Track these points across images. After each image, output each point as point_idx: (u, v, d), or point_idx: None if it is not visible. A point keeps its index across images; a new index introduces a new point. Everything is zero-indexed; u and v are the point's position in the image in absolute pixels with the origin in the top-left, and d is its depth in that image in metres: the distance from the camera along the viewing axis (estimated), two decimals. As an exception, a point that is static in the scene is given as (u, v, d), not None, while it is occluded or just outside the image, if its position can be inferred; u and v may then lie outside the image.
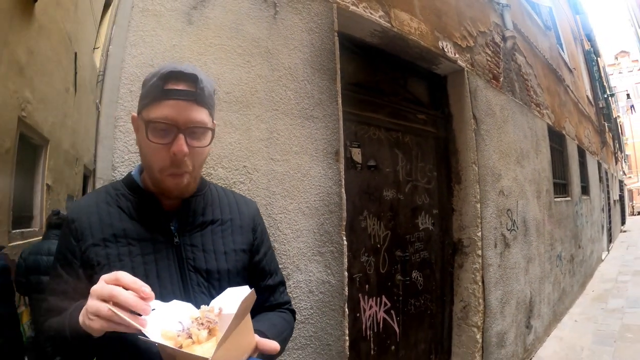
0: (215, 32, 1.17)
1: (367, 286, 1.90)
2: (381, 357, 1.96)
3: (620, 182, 14.91)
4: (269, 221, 1.22)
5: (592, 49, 8.75)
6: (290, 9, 1.40)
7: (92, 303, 0.50)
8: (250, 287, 0.56)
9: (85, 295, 0.53)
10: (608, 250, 8.18)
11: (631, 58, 28.40)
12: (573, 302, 4.50)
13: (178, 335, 0.51)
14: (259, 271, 0.81)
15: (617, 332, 3.47)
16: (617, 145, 13.01)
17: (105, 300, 0.49)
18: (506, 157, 2.94)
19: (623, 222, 13.79)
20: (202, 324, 0.53)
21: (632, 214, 21.60)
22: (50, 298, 0.65)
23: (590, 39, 8.91)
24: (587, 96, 7.45)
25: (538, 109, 3.91)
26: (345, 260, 1.47)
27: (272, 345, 0.59)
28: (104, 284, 0.50)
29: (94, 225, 0.66)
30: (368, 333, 1.89)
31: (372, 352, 1.90)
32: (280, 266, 0.90)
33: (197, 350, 0.49)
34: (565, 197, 4.74)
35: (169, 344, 0.49)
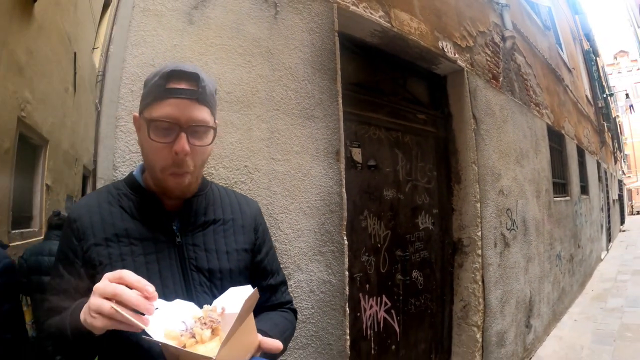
0: (216, 32, 1.17)
1: (367, 286, 1.91)
2: (381, 357, 1.96)
3: (620, 181, 14.94)
4: (270, 221, 1.22)
5: (591, 49, 8.77)
6: (291, 9, 1.41)
7: (95, 300, 0.49)
8: (253, 287, 0.56)
9: (86, 295, 0.53)
10: (607, 250, 8.20)
11: (630, 58, 28.45)
12: (572, 301, 4.51)
13: (181, 335, 0.51)
14: (261, 271, 0.81)
15: (617, 331, 3.47)
16: (616, 144, 13.04)
17: (108, 298, 0.49)
18: (506, 157, 2.95)
19: (622, 222, 13.81)
20: (205, 323, 0.53)
21: (631, 213, 21.64)
22: (51, 297, 0.65)
23: (589, 38, 8.93)
24: (586, 96, 7.46)
25: (537, 108, 3.91)
26: (346, 259, 1.47)
27: (275, 344, 0.59)
28: (107, 282, 0.50)
29: (95, 225, 0.66)
30: (368, 332, 1.89)
31: (372, 351, 1.91)
32: (281, 266, 0.91)
33: (200, 350, 0.49)
34: (565, 196, 4.75)
35: (173, 343, 0.49)
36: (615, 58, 29.78)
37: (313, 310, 1.32)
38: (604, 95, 9.76)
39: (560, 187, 4.73)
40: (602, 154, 8.65)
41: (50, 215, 1.69)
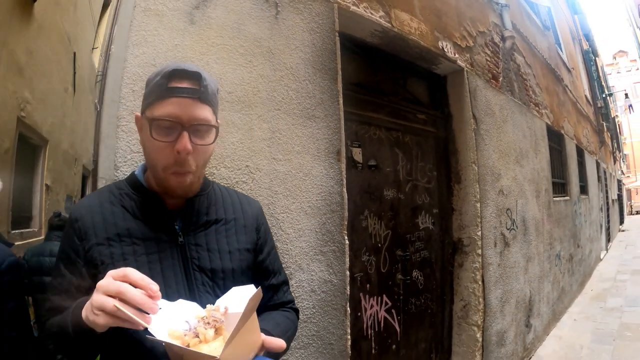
0: (217, 32, 1.17)
1: (368, 285, 1.91)
2: (382, 356, 1.96)
3: (619, 181, 14.96)
4: (272, 221, 1.22)
5: (590, 49, 8.78)
6: (292, 9, 1.41)
7: (98, 298, 0.49)
8: (256, 287, 0.56)
9: (88, 294, 0.53)
10: (607, 250, 8.21)
11: (629, 58, 28.49)
12: (572, 301, 4.52)
13: (185, 335, 0.51)
14: (263, 270, 0.81)
15: (616, 331, 3.48)
16: (616, 144, 13.06)
17: (111, 296, 0.49)
18: (505, 157, 2.95)
19: (621, 222, 13.83)
20: (208, 323, 0.53)
21: (631, 213, 21.68)
22: (52, 297, 0.65)
23: (588, 38, 8.94)
24: (586, 96, 7.47)
25: (537, 108, 3.92)
26: (347, 259, 1.48)
27: (278, 342, 0.59)
28: (111, 280, 0.50)
29: (97, 225, 0.66)
30: (369, 332, 1.90)
31: (373, 351, 1.91)
32: (282, 265, 0.91)
33: (204, 349, 0.49)
34: (564, 196, 4.76)
35: (177, 343, 0.49)
36: (615, 58, 29.82)
37: (314, 310, 1.32)
38: (603, 95, 9.78)
39: (560, 187, 4.74)
40: (601, 154, 8.67)
41: (50, 216, 1.69)
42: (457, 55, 2.48)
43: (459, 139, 2.56)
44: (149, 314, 0.50)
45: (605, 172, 9.19)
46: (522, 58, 3.70)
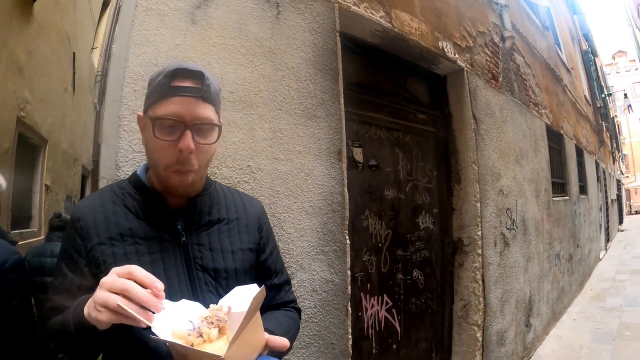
0: (218, 32, 1.17)
1: (368, 285, 1.91)
2: (383, 356, 1.96)
3: (618, 181, 14.99)
4: (273, 220, 1.22)
5: (589, 49, 8.80)
6: (293, 9, 1.41)
7: (102, 294, 0.49)
8: (259, 286, 0.56)
9: (89, 294, 0.53)
10: (606, 250, 8.23)
11: (628, 58, 28.55)
12: (572, 300, 4.53)
13: (189, 334, 0.51)
14: (265, 270, 0.81)
15: (616, 331, 3.49)
16: (615, 144, 13.09)
17: (115, 293, 0.49)
18: (505, 157, 2.96)
19: (621, 222, 13.85)
20: (212, 322, 0.53)
21: (630, 213, 21.72)
22: (54, 297, 0.64)
23: (587, 38, 8.96)
24: (585, 96, 7.49)
25: (536, 108, 3.93)
26: (348, 259, 1.48)
27: (282, 341, 0.59)
28: (115, 277, 0.50)
29: (99, 224, 0.66)
30: (370, 332, 1.90)
31: (374, 350, 1.91)
32: (284, 265, 0.91)
33: (208, 349, 0.49)
34: (564, 196, 4.77)
35: (181, 342, 0.49)
36: (614, 58, 29.88)
37: (316, 310, 1.33)
38: (603, 95, 9.80)
39: (559, 186, 4.74)
40: (600, 154, 8.68)
41: (51, 217, 1.69)
42: (457, 56, 2.48)
43: (459, 138, 2.57)
44: (152, 312, 0.50)
45: (604, 172, 9.20)
46: (522, 58, 3.70)
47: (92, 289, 0.52)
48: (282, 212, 1.27)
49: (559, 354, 3.12)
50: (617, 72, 28.63)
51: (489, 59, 2.98)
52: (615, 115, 14.82)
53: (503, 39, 3.27)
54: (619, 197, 13.81)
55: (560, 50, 5.77)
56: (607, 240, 8.81)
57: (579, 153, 5.93)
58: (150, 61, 1.03)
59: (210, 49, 1.15)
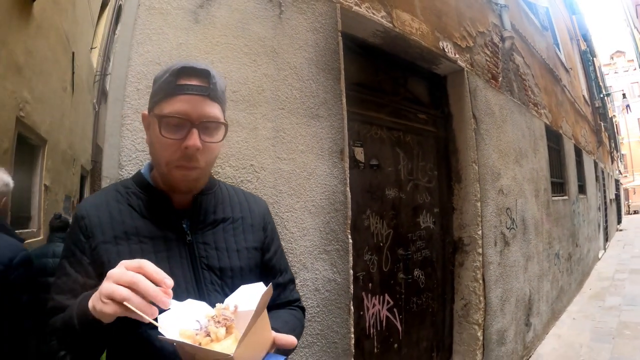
0: (221, 31, 1.17)
1: (370, 284, 1.91)
2: (384, 355, 1.96)
3: (616, 181, 15.04)
4: (276, 220, 1.22)
5: (588, 49, 8.83)
6: (295, 9, 1.41)
7: (108, 286, 0.48)
8: (265, 284, 0.56)
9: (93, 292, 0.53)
10: (605, 249, 8.26)
11: (627, 58, 28.65)
12: (571, 300, 4.54)
13: (196, 334, 0.51)
14: (270, 269, 0.81)
15: (615, 330, 3.50)
16: (613, 144, 13.13)
17: (122, 286, 0.48)
18: (505, 157, 2.97)
19: (619, 221, 13.90)
20: (219, 322, 0.53)
21: (628, 212, 21.80)
22: (57, 296, 0.64)
23: (586, 39, 8.99)
24: (584, 96, 7.51)
25: (536, 108, 3.94)
26: (351, 258, 1.48)
27: (290, 339, 0.59)
28: (124, 270, 0.49)
29: (104, 223, 0.66)
30: (371, 331, 1.90)
31: (375, 350, 1.91)
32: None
33: (217, 348, 0.49)
34: (563, 196, 4.78)
35: (188, 342, 0.49)
36: (612, 58, 29.99)
37: (318, 309, 1.33)
38: (601, 95, 9.84)
39: (559, 186, 4.76)
40: (599, 154, 8.71)
41: (51, 218, 1.69)
42: (457, 56, 2.48)
43: (459, 138, 2.57)
44: (160, 309, 0.49)
45: (603, 172, 9.23)
46: (521, 58, 3.71)
47: (95, 288, 0.51)
48: (285, 212, 1.27)
49: (559, 353, 3.12)
50: (616, 72, 28.74)
51: (488, 59, 2.99)
52: (614, 115, 14.86)
53: (502, 39, 3.27)
54: (617, 196, 13.85)
55: (559, 51, 5.78)
56: (606, 239, 8.85)
57: (578, 153, 5.94)
58: (154, 60, 1.03)
59: (213, 48, 1.15)
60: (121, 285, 0.48)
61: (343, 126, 1.52)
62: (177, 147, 0.63)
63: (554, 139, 4.65)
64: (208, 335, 0.51)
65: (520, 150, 3.28)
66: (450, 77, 2.61)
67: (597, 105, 9.00)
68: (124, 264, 0.50)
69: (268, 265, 0.81)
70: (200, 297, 0.65)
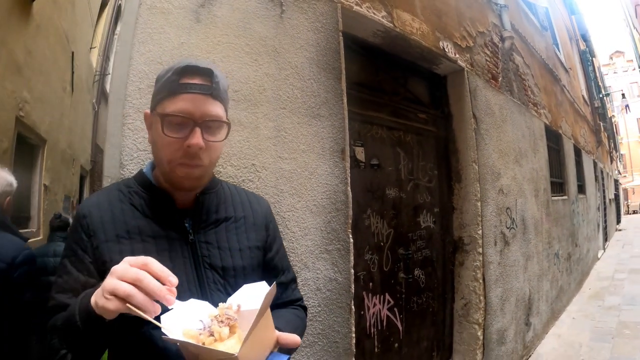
0: (223, 30, 1.17)
1: (371, 284, 1.91)
2: (385, 354, 1.96)
3: (616, 181, 15.06)
4: (278, 219, 1.21)
5: (587, 49, 8.84)
6: (296, 9, 1.41)
7: (112, 281, 0.48)
8: (268, 284, 0.56)
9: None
10: (604, 249, 8.27)
11: (626, 58, 28.70)
12: (570, 299, 4.55)
13: (200, 334, 0.51)
14: (272, 268, 0.81)
15: (615, 329, 3.51)
16: (612, 144, 13.15)
17: (126, 282, 0.47)
18: (505, 156, 2.97)
19: (618, 221, 13.93)
20: (222, 321, 0.53)
21: (627, 212, 21.85)
22: (58, 295, 0.64)
23: (585, 39, 9.00)
24: (583, 96, 7.53)
25: (535, 108, 3.94)
26: (352, 258, 1.48)
27: (293, 338, 0.59)
28: (128, 266, 0.49)
29: (106, 222, 0.65)
30: (372, 331, 1.90)
31: (376, 349, 1.91)
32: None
33: (221, 347, 0.48)
34: (562, 195, 4.79)
35: (192, 342, 0.49)
36: (611, 58, 30.03)
37: (320, 309, 1.33)
38: (600, 95, 9.85)
39: (558, 186, 4.77)
40: (598, 154, 8.73)
41: (51, 218, 1.69)
42: (457, 55, 2.48)
43: (459, 138, 2.57)
44: (163, 308, 0.49)
45: (602, 172, 9.25)
46: (521, 58, 3.72)
47: (97, 286, 0.51)
48: (287, 211, 1.27)
49: (559, 352, 3.13)
50: (615, 72, 28.78)
51: (488, 59, 2.99)
52: (613, 115, 14.89)
53: (502, 39, 3.28)
54: (616, 196, 13.88)
55: (559, 51, 5.79)
56: (605, 239, 8.86)
57: (577, 153, 5.95)
58: (155, 59, 1.03)
59: (215, 47, 1.15)
60: (125, 281, 0.47)
61: (344, 126, 1.52)
62: (180, 145, 0.63)
63: (553, 138, 4.66)
64: (212, 334, 0.51)
65: (520, 150, 3.28)
66: (451, 77, 2.61)
67: (596, 105, 9.01)
68: (128, 260, 0.50)
69: (270, 264, 0.80)
70: (202, 296, 0.65)
